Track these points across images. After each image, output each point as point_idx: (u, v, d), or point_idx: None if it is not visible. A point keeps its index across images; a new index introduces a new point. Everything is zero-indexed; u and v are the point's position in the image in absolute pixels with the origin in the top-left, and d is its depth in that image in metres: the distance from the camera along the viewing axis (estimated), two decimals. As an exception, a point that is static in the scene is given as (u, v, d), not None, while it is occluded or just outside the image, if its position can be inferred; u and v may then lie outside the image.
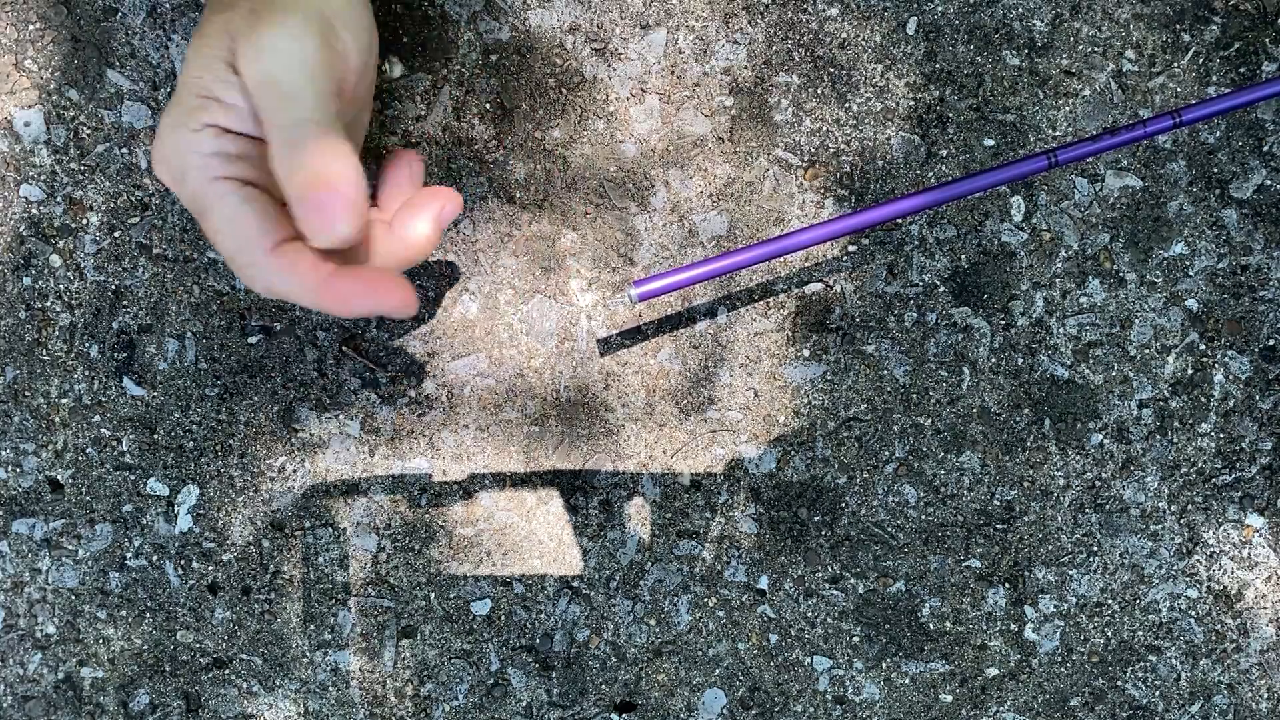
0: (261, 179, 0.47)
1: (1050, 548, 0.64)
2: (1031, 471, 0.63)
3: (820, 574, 0.64)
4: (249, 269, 0.47)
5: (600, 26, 0.59)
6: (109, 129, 0.59)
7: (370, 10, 0.51)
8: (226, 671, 0.64)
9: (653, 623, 0.64)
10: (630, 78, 0.60)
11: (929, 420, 0.63)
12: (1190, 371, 0.63)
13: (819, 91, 0.60)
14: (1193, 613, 0.65)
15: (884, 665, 0.65)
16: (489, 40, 0.59)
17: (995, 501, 0.63)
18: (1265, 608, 0.65)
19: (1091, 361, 0.62)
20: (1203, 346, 0.62)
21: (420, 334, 0.61)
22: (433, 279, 0.61)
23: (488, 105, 0.60)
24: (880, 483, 0.63)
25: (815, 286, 0.62)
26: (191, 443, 0.62)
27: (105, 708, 0.64)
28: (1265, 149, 0.61)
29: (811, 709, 0.65)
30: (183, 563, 0.63)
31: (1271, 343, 0.62)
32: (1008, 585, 0.64)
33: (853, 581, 0.64)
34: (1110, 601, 0.65)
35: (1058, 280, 0.62)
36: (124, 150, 0.59)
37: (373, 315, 0.49)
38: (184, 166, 0.47)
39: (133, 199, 0.60)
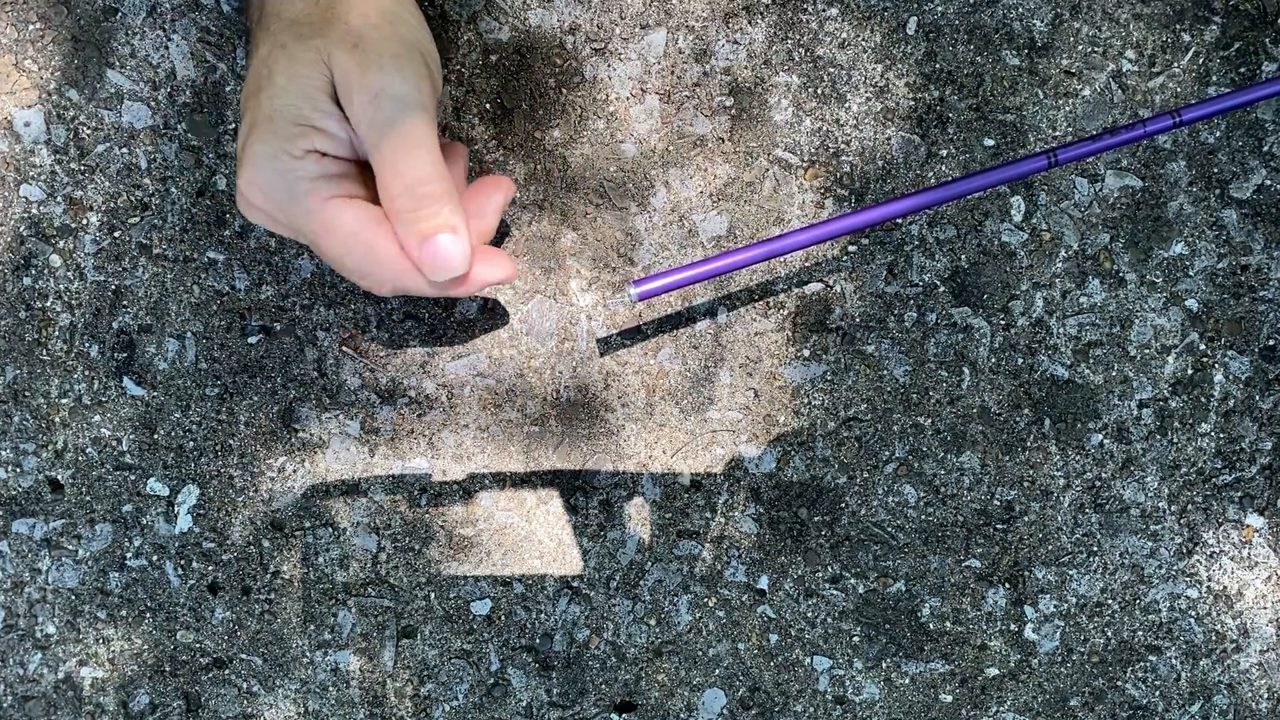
0: (364, 194, 0.50)
1: (1050, 548, 0.64)
2: (1031, 471, 0.63)
3: (820, 574, 0.64)
4: (379, 274, 0.49)
5: (600, 26, 0.59)
6: (109, 129, 0.59)
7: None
8: (226, 671, 0.64)
9: (653, 623, 0.64)
10: (630, 78, 0.59)
11: (929, 420, 0.63)
12: (1190, 371, 0.62)
13: (819, 91, 0.60)
14: (1193, 613, 0.65)
15: (884, 665, 0.65)
16: (489, 40, 0.59)
17: (995, 501, 0.63)
18: (1265, 608, 0.65)
19: (1091, 361, 0.62)
20: (1203, 346, 0.62)
21: (420, 334, 0.61)
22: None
23: (488, 105, 0.59)
24: (880, 483, 0.63)
25: (815, 286, 0.61)
26: (191, 443, 0.62)
27: (105, 708, 0.64)
28: (1265, 149, 0.61)
29: (811, 709, 0.65)
30: (183, 563, 0.63)
31: (1271, 343, 0.62)
32: (1008, 585, 0.64)
33: (853, 581, 0.64)
34: (1110, 601, 0.64)
35: (1058, 280, 0.61)
36: (124, 150, 0.59)
37: (485, 290, 0.54)
38: (292, 193, 0.48)
39: (133, 199, 0.60)
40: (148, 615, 0.63)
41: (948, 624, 0.64)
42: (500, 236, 0.60)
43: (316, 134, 0.48)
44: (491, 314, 0.61)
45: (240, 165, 0.48)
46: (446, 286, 0.50)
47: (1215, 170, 0.61)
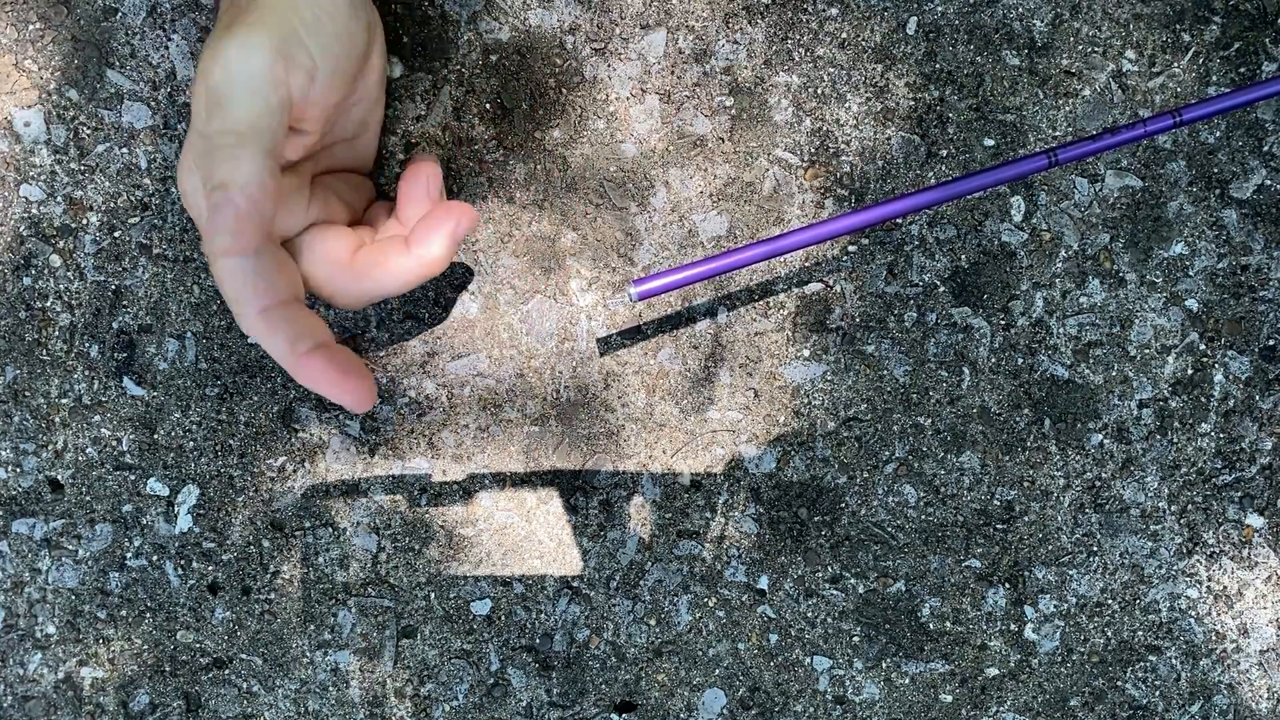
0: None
1: (1050, 548, 0.63)
2: (1031, 471, 0.63)
3: (820, 574, 0.63)
4: (238, 317, 0.48)
5: (600, 26, 0.59)
6: (109, 129, 0.59)
7: (361, 17, 0.50)
8: (226, 671, 0.63)
9: (653, 623, 0.63)
10: (630, 78, 0.59)
11: (929, 420, 0.62)
12: (1190, 371, 0.62)
13: (819, 91, 0.60)
14: (1193, 613, 0.64)
15: (884, 665, 0.64)
16: (489, 40, 0.59)
17: (995, 501, 0.63)
18: (1265, 608, 0.64)
19: (1091, 361, 0.62)
20: (1203, 346, 0.62)
21: (420, 334, 0.61)
22: (433, 279, 0.60)
23: (488, 105, 0.59)
24: (880, 483, 0.63)
25: (815, 286, 0.61)
26: (191, 442, 0.62)
27: (105, 708, 0.64)
28: (1265, 149, 0.60)
29: (811, 709, 0.64)
30: (183, 563, 0.62)
31: (1271, 343, 0.62)
32: (1008, 585, 0.64)
33: (853, 581, 0.64)
34: (1110, 601, 0.64)
35: (1058, 280, 0.61)
36: (124, 150, 0.59)
37: (330, 398, 0.50)
38: (199, 205, 0.47)
39: (133, 199, 0.59)
40: (148, 615, 0.63)
41: (948, 624, 0.64)
42: (502, 236, 0.60)
43: None
44: (491, 314, 0.61)
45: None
46: (294, 368, 0.50)
47: (1215, 170, 0.60)
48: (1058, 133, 0.60)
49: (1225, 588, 0.64)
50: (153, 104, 0.59)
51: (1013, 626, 0.64)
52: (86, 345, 0.61)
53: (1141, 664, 0.65)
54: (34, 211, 0.59)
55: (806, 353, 0.62)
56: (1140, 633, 0.64)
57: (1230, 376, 0.62)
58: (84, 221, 0.60)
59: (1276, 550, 0.64)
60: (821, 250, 0.61)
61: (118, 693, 0.64)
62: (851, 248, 0.61)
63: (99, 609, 0.63)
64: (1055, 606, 0.64)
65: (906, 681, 0.65)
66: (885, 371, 0.62)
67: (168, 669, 0.64)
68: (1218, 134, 0.60)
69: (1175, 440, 0.63)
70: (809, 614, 0.64)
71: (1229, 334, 0.62)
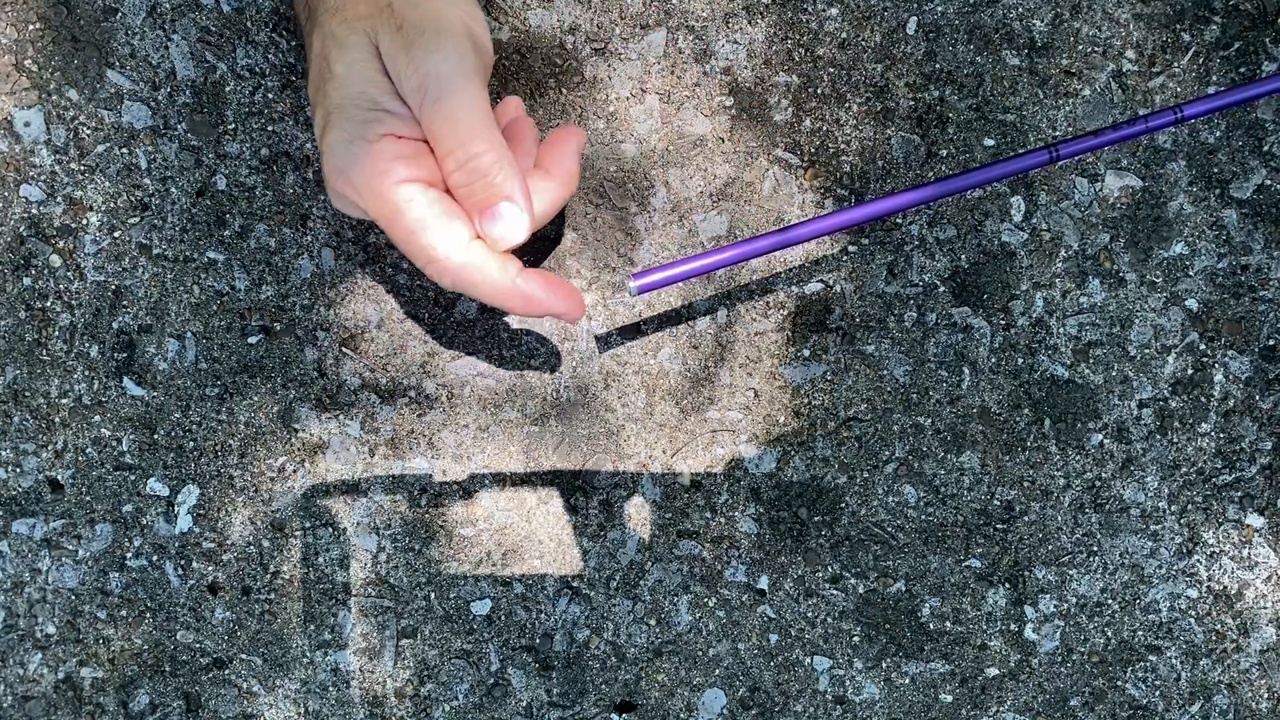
0: (437, 177, 0.50)
1: (1050, 548, 0.63)
2: (1031, 471, 0.63)
3: (820, 574, 0.63)
4: (439, 266, 0.49)
5: (600, 26, 0.59)
6: (109, 129, 0.59)
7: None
8: (226, 672, 0.63)
9: (653, 623, 0.63)
10: (630, 78, 0.59)
11: (929, 420, 0.62)
12: (1190, 371, 0.62)
13: (819, 91, 0.59)
14: (1193, 612, 0.64)
15: (884, 665, 0.64)
16: (489, 40, 0.58)
17: (995, 501, 0.63)
18: (1265, 607, 0.64)
19: (1091, 361, 0.62)
20: (1203, 346, 0.62)
21: (420, 334, 0.60)
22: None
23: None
24: (880, 483, 0.62)
25: (815, 286, 0.61)
26: (191, 443, 0.61)
27: (105, 708, 0.63)
28: (1265, 149, 0.60)
29: (811, 709, 0.64)
30: (183, 563, 0.62)
31: (1271, 343, 0.62)
32: (1008, 585, 0.63)
33: (853, 581, 0.63)
34: (1110, 601, 0.64)
35: (1058, 280, 0.61)
36: (124, 150, 0.59)
37: (545, 316, 0.54)
38: (367, 177, 0.48)
39: (133, 199, 0.59)
40: (148, 615, 0.63)
41: (948, 624, 0.64)
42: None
43: (389, 117, 0.48)
44: (491, 314, 0.61)
45: (322, 158, 0.49)
46: (510, 298, 0.51)
47: (1215, 170, 0.60)
48: (1058, 132, 0.60)
49: (1225, 587, 0.64)
50: (152, 104, 0.58)
51: (1013, 626, 0.64)
52: (86, 345, 0.60)
53: (1141, 664, 0.64)
54: (34, 211, 0.59)
55: (806, 353, 0.61)
56: (1140, 632, 0.64)
57: (1230, 376, 0.62)
58: (84, 221, 0.59)
59: (1276, 550, 0.64)
60: (821, 250, 0.60)
61: (118, 693, 0.63)
62: (851, 248, 0.60)
63: (99, 609, 0.63)
64: (1055, 606, 0.64)
65: (906, 681, 0.64)
66: (885, 371, 0.61)
67: (168, 669, 0.63)
68: (1217, 134, 0.60)
69: (1175, 440, 0.62)
70: (809, 614, 0.63)
71: (1229, 334, 0.61)
